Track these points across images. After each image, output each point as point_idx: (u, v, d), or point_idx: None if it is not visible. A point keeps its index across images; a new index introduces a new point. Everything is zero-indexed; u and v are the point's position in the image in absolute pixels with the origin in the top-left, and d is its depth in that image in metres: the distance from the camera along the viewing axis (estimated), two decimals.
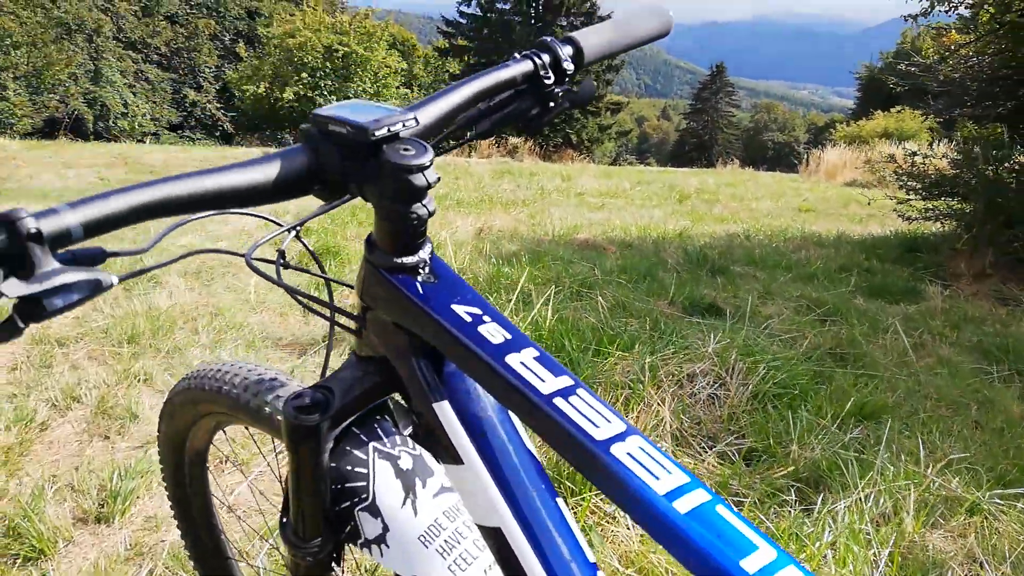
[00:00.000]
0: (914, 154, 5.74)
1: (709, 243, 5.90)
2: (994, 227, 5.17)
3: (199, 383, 0.92)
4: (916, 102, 11.94)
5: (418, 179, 0.56)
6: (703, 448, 2.15)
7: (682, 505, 0.45)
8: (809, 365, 2.85)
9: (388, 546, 0.68)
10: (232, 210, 0.75)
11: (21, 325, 0.43)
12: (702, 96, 45.25)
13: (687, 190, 11.14)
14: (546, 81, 0.74)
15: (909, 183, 5.74)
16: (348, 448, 0.71)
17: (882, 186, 11.75)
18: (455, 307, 0.58)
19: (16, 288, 0.41)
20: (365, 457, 0.71)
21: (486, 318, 0.57)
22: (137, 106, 23.12)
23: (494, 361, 0.54)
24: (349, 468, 0.70)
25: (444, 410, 0.60)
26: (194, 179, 0.51)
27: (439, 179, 0.59)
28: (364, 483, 0.70)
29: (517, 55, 0.75)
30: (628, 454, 0.48)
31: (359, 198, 0.61)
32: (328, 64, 20.24)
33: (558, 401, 0.51)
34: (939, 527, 1.79)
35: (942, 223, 5.66)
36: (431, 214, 0.59)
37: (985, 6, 5.67)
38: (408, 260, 0.61)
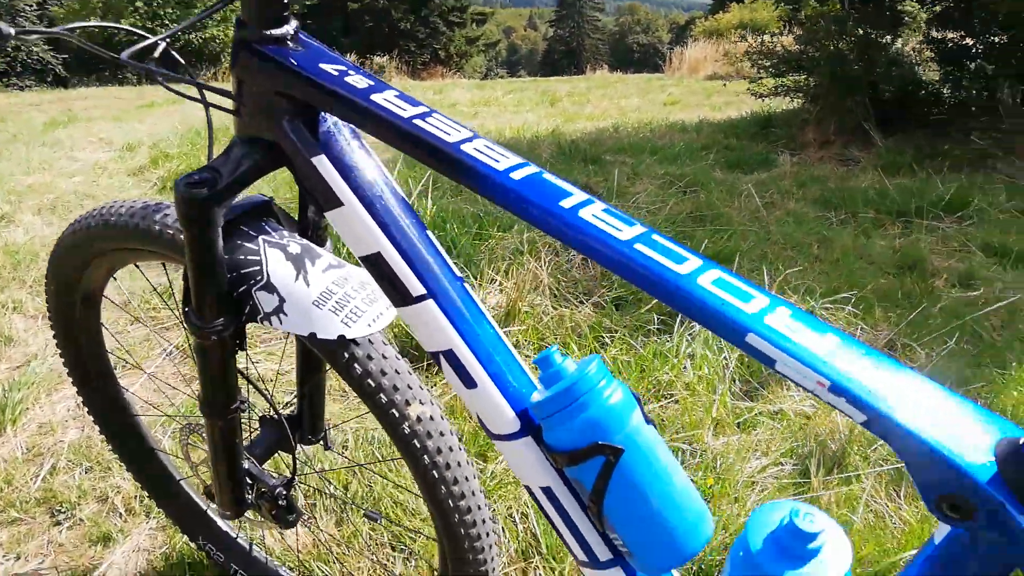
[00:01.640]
0: (762, 33, 6.08)
1: (581, 138, 6.07)
2: (836, 97, 5.62)
3: (84, 224, 0.96)
4: None
5: None
6: (579, 301, 2.35)
7: (516, 175, 0.58)
8: (672, 227, 3.10)
9: (286, 314, 0.77)
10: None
11: None
12: (566, 2, 45.09)
13: (559, 94, 11.25)
14: None
15: (759, 61, 6.09)
16: (239, 242, 0.79)
17: (740, 76, 12.30)
18: (323, 65, 0.67)
19: None
20: (256, 247, 0.80)
21: (351, 72, 0.67)
22: None
23: (363, 100, 0.64)
24: (242, 257, 0.79)
25: (322, 162, 0.69)
26: None
27: None
28: (257, 268, 0.79)
29: None
30: (476, 149, 0.60)
31: None
32: None
33: (418, 122, 0.62)
34: None
35: (791, 98, 6.07)
36: None
37: None
38: (277, 31, 0.68)
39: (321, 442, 1.09)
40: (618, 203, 3.54)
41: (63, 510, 1.55)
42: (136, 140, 5.49)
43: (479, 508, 0.90)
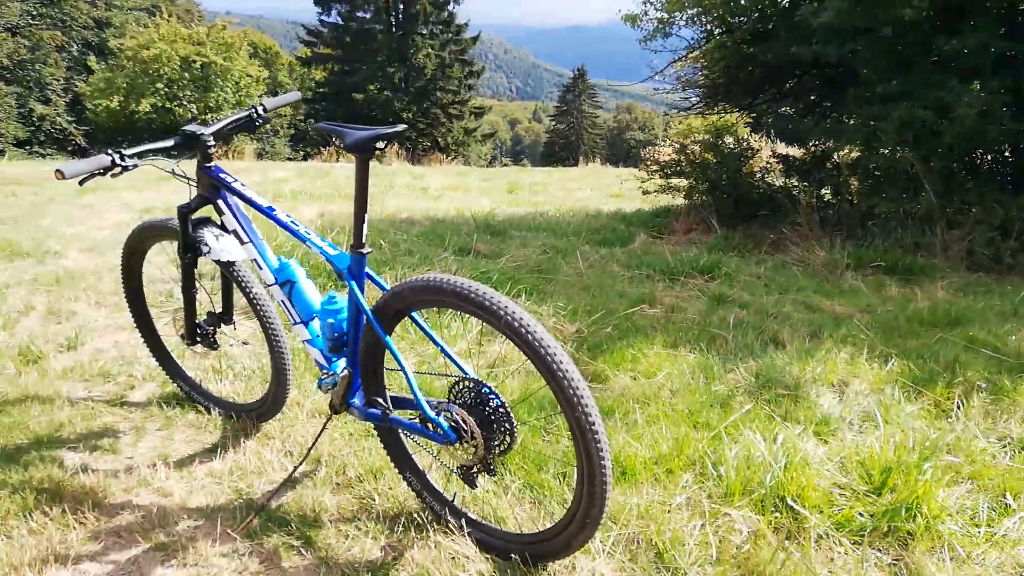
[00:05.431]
0: (650, 144, 7.90)
1: (506, 219, 7.74)
2: (699, 196, 7.36)
3: (139, 227, 2.58)
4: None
5: None
6: None
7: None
8: (513, 274, 4.71)
9: (210, 253, 2.38)
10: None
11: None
12: (566, 98, 48.56)
13: (521, 184, 13.03)
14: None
15: (649, 166, 7.88)
16: (198, 228, 2.40)
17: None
18: (222, 175, 2.29)
19: None
20: (202, 231, 2.40)
21: (233, 179, 2.28)
22: None
23: (233, 187, 2.25)
24: (197, 233, 2.39)
25: (222, 201, 2.30)
26: None
27: None
28: (201, 237, 2.39)
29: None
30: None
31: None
32: (186, 75, 21.08)
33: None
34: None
35: (671, 195, 7.81)
36: None
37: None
38: (208, 164, 2.31)
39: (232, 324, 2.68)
40: (492, 261, 5.19)
41: None
42: (151, 205, 7.23)
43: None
